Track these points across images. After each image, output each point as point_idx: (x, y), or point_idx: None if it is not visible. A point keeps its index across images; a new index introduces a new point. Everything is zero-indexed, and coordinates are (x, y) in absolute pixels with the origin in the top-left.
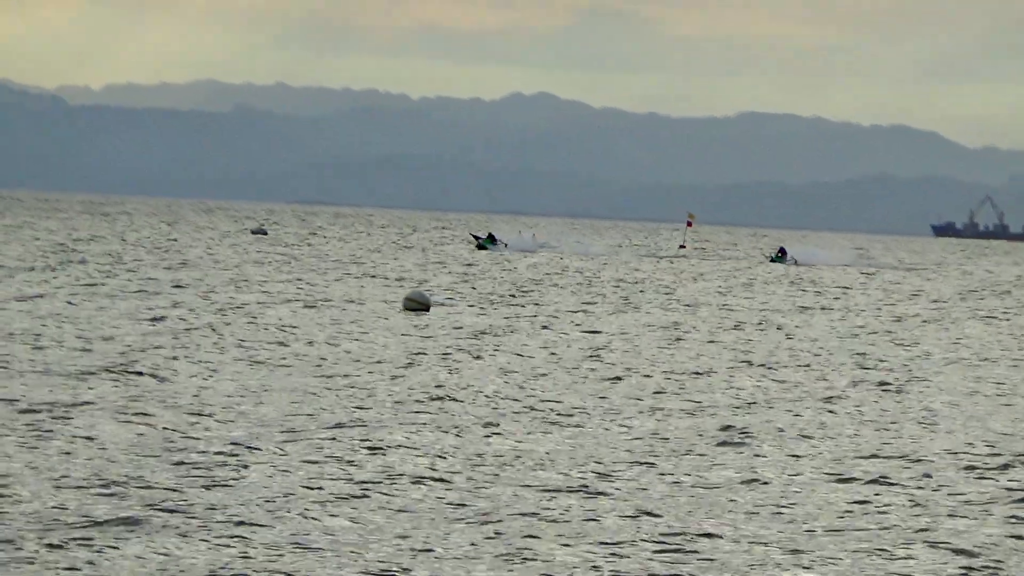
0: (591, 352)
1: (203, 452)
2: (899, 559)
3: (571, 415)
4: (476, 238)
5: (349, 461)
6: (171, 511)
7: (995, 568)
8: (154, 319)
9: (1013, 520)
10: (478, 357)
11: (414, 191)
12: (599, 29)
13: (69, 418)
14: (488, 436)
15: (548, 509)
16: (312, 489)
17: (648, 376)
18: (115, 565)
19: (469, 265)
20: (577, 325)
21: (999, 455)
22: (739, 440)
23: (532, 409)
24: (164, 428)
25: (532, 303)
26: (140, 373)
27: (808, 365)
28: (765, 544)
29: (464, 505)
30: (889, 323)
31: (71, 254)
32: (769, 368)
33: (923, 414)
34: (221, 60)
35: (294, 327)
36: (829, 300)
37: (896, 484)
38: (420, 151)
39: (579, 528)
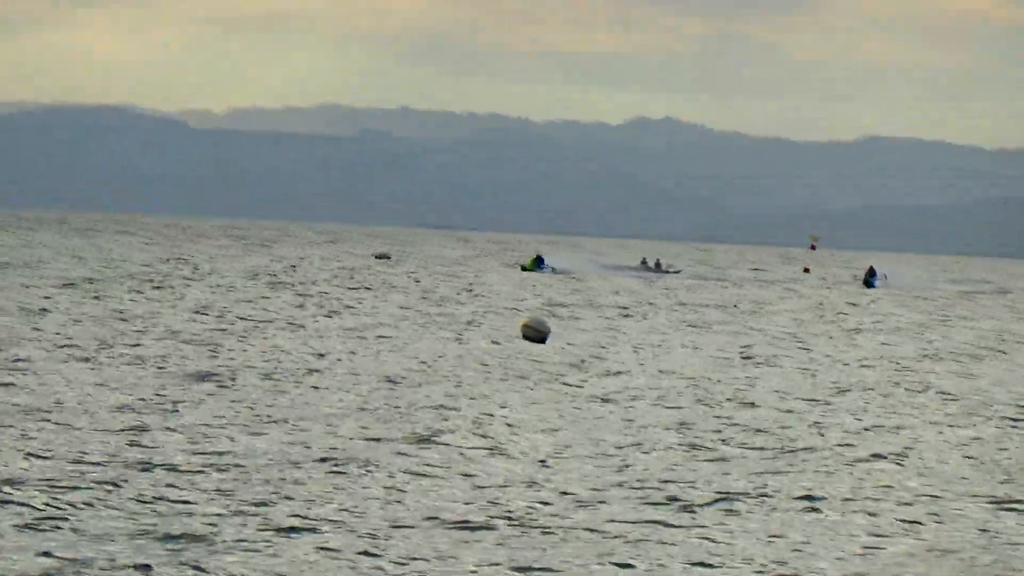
0: None
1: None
2: None
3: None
4: (523, 267)
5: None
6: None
7: None
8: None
9: None
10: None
11: (538, 215)
12: (724, 53)
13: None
14: None
15: None
16: None
17: None
18: None
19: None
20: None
21: None
22: None
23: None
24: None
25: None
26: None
27: None
28: None
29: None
30: None
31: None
32: None
33: None
34: (346, 84)
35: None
36: None
37: None
38: (544, 176)
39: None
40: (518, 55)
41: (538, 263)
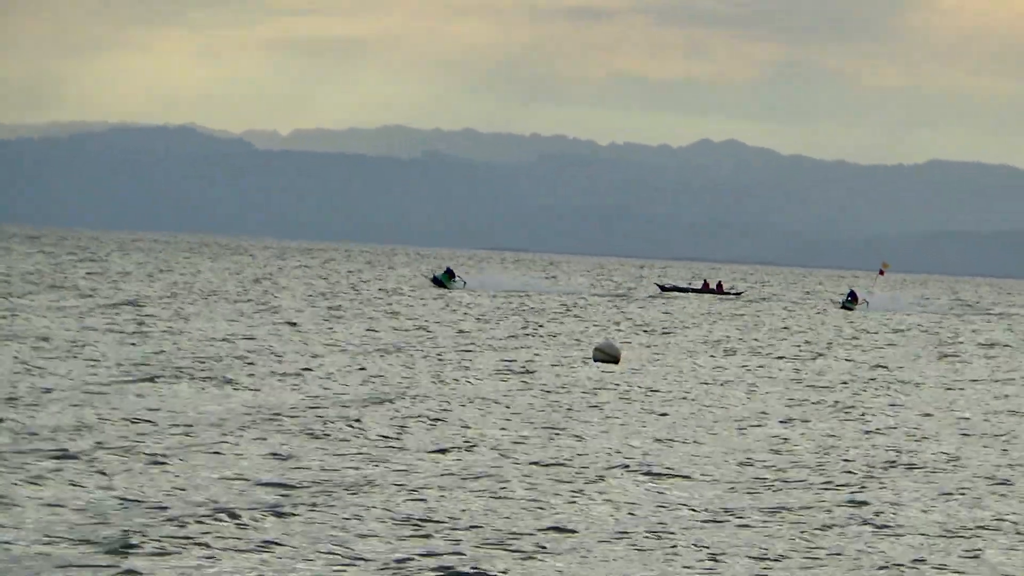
0: None
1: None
2: None
3: None
4: (434, 280)
5: None
6: None
7: None
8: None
9: None
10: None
11: (599, 238)
12: (791, 80)
13: None
14: None
15: None
16: None
17: None
18: None
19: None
20: None
21: None
22: None
23: None
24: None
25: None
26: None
27: None
28: None
29: None
30: None
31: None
32: None
33: None
34: (410, 107)
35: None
36: None
37: None
38: (606, 198)
39: None
40: (586, 80)
41: (449, 276)
